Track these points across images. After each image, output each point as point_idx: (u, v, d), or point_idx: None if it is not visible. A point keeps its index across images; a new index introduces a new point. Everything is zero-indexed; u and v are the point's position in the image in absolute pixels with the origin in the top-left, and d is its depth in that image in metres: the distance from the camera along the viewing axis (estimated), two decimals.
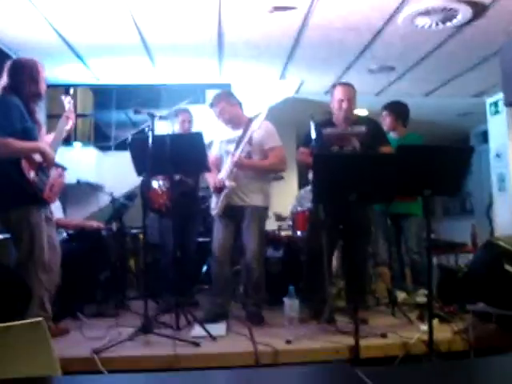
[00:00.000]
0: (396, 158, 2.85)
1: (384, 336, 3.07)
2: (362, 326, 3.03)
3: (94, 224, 4.56)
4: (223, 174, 3.64)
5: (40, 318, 1.18)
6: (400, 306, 3.75)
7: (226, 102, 3.74)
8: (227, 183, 3.56)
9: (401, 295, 4.11)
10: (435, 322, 3.10)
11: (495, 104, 6.50)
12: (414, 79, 5.49)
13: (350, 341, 2.85)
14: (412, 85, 5.68)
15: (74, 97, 7.37)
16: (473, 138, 8.64)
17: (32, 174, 2.90)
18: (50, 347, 1.16)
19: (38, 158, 2.97)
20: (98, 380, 1.28)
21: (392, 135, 4.38)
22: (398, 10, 3.74)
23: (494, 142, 6.60)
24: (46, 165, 3.00)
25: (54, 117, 6.55)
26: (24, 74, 2.95)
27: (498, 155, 6.48)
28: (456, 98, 6.37)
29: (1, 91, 2.92)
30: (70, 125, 3.31)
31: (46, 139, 3.15)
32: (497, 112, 6.50)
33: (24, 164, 2.87)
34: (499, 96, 6.31)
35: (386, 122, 4.39)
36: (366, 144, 3.59)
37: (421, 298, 4.07)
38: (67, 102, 3.37)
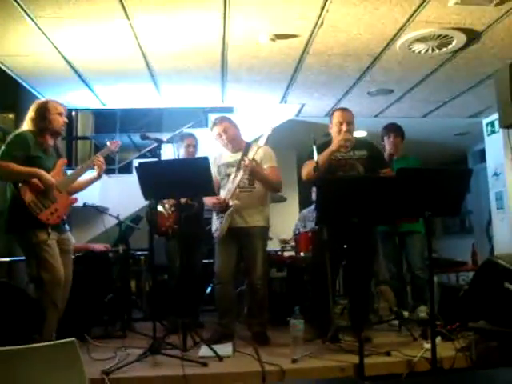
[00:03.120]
0: (396, 181, 2.95)
1: (388, 354, 3.12)
2: (366, 345, 3.09)
3: (100, 246, 4.62)
4: (225, 195, 3.71)
5: (73, 338, 1.26)
6: (405, 324, 3.80)
7: (229, 123, 3.87)
8: (231, 202, 3.65)
9: (403, 313, 4.17)
10: (438, 339, 3.16)
11: (491, 124, 6.61)
12: (412, 101, 5.60)
13: (355, 359, 2.90)
14: (410, 106, 5.79)
15: (75, 119, 7.53)
16: (470, 157, 8.75)
17: (29, 198, 3.16)
18: (81, 365, 1.23)
19: (39, 184, 3.20)
20: None
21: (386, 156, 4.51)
22: (395, 36, 3.87)
23: (492, 161, 6.70)
24: (44, 189, 3.20)
25: None
26: (35, 113, 3.35)
27: (496, 174, 6.58)
28: (453, 119, 6.48)
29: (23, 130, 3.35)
30: (94, 173, 3.55)
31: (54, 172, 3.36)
32: (493, 132, 6.61)
33: (23, 189, 3.17)
34: (495, 116, 6.44)
35: (394, 144, 4.49)
36: (369, 167, 3.69)
37: (422, 314, 4.14)
38: (113, 146, 3.65)
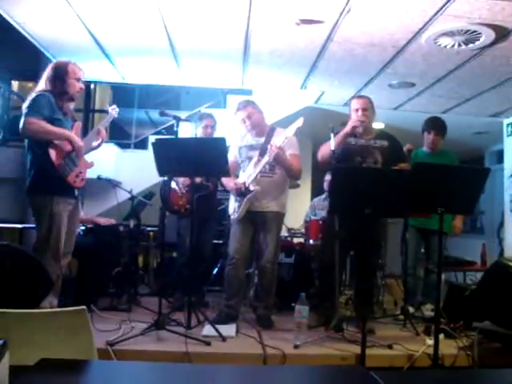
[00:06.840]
0: (412, 175, 2.93)
1: (390, 347, 3.14)
2: (369, 336, 3.10)
3: (102, 221, 4.63)
4: (246, 179, 3.71)
5: (83, 307, 1.28)
6: (410, 319, 3.80)
7: (253, 108, 3.85)
8: (252, 187, 3.65)
9: (409, 309, 4.17)
10: (441, 336, 3.16)
11: None
12: (432, 96, 5.53)
13: (357, 349, 2.94)
14: (430, 101, 5.72)
15: (93, 92, 7.54)
16: (487, 157, 8.66)
17: (58, 160, 3.17)
18: (90, 333, 1.25)
19: (66, 147, 3.22)
20: (133, 366, 1.37)
21: (425, 149, 4.45)
22: (422, 29, 3.80)
23: (509, 163, 6.61)
24: (74, 153, 3.24)
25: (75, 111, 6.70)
26: (54, 73, 3.27)
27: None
28: (473, 117, 6.40)
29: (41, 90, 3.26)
30: (97, 142, 3.52)
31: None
32: None
33: (51, 151, 3.16)
34: None
35: (433, 141, 4.38)
36: (387, 158, 3.67)
37: (428, 312, 4.14)
38: (113, 111, 3.62)
